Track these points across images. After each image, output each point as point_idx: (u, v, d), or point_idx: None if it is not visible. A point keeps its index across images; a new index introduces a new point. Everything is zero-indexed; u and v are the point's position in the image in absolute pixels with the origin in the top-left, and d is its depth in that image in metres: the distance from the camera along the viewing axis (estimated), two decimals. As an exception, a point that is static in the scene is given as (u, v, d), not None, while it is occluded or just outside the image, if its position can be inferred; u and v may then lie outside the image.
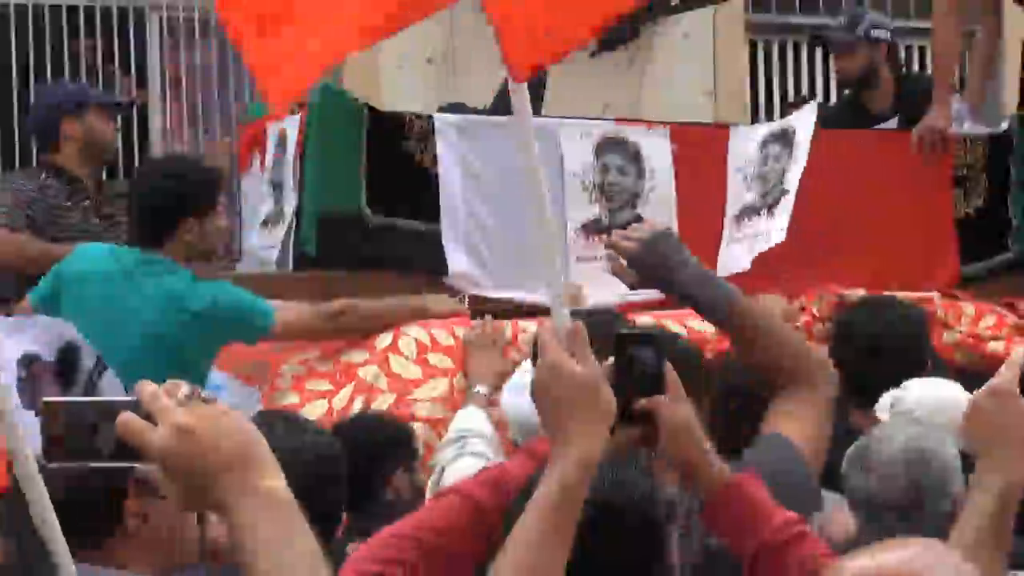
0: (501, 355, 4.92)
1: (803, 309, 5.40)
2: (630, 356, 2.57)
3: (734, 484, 2.57)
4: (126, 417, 1.86)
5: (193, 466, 1.84)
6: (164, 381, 2.95)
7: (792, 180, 5.60)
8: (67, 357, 4.40)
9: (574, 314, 3.22)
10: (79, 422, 1.93)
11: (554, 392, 2.35)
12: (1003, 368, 2.44)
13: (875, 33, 6.83)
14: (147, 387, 1.89)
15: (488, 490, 2.58)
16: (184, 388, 1.88)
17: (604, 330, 2.80)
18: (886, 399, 4.02)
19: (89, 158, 5.66)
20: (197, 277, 4.88)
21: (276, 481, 1.86)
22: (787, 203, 5.55)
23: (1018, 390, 2.40)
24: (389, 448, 4.36)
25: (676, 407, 2.57)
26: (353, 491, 3.68)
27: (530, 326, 4.75)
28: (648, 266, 3.34)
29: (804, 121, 5.79)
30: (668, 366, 2.61)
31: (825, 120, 6.92)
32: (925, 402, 3.90)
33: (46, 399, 1.99)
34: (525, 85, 2.71)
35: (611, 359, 2.55)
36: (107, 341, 4.63)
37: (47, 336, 4.37)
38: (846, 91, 7.42)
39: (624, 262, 3.26)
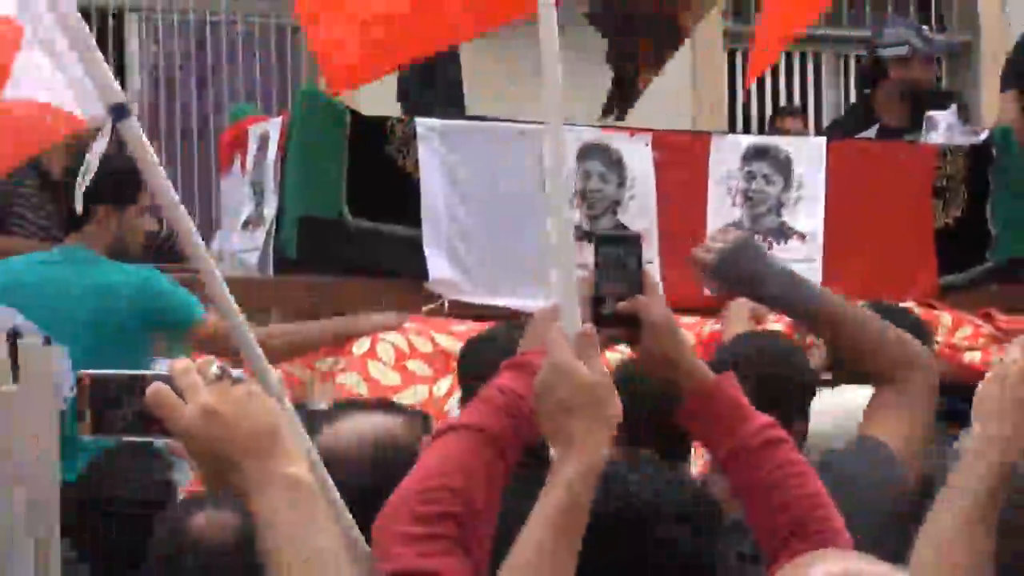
0: None
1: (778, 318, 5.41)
2: (608, 255, 2.56)
3: (714, 384, 2.56)
4: (157, 388, 1.87)
5: (216, 448, 1.85)
6: (109, 360, 2.90)
7: (801, 220, 5.74)
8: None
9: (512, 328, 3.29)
10: (109, 395, 1.94)
11: (559, 394, 2.33)
12: (993, 374, 2.43)
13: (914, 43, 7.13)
14: (179, 362, 1.90)
15: (501, 420, 2.48)
16: (214, 367, 1.88)
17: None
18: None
19: None
20: (125, 265, 4.93)
21: (300, 468, 1.87)
22: (804, 250, 5.70)
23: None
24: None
25: (656, 305, 2.56)
26: None
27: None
28: (730, 276, 3.50)
29: (810, 156, 5.86)
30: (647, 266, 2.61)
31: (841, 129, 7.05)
32: (832, 409, 3.89)
33: (79, 372, 1.99)
34: (559, 93, 2.69)
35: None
36: (47, 325, 4.73)
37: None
38: (851, 101, 7.49)
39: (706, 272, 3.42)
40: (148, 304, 4.81)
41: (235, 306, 2.90)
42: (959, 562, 2.23)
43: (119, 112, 2.91)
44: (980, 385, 2.44)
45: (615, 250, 2.57)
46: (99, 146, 3.14)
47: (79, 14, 3.00)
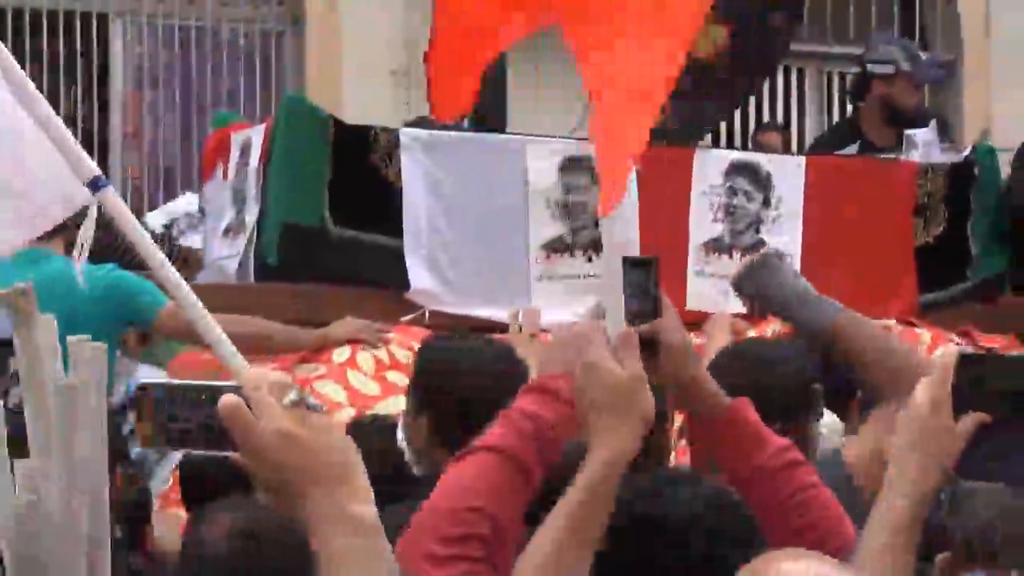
0: None
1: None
2: (628, 280, 2.57)
3: (731, 408, 2.58)
4: (233, 403, 1.83)
5: (286, 473, 1.82)
6: None
7: (780, 235, 5.76)
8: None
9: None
10: (174, 406, 1.91)
11: (590, 394, 2.39)
12: (926, 384, 2.41)
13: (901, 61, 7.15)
14: (252, 375, 1.87)
15: (526, 445, 2.50)
16: (292, 393, 1.85)
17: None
18: None
19: None
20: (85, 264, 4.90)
21: (367, 508, 1.83)
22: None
23: (947, 406, 2.38)
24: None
25: (674, 329, 2.58)
26: None
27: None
28: (747, 293, 3.59)
29: (789, 173, 5.88)
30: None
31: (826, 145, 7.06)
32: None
33: (142, 382, 1.96)
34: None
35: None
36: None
37: None
38: (835, 118, 7.50)
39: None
40: (112, 295, 4.77)
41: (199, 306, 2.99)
42: None
43: (96, 184, 2.97)
44: (897, 418, 2.45)
45: (632, 273, 2.58)
46: (87, 228, 3.20)
47: (33, 88, 3.04)
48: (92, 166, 3.07)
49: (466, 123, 5.98)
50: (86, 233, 3.25)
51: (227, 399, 1.82)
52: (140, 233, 3.31)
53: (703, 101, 6.59)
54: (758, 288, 3.55)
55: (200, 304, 3.30)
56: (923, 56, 7.35)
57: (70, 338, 2.40)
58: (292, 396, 1.84)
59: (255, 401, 1.82)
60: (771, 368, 3.73)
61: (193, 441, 1.91)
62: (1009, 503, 2.64)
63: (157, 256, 3.38)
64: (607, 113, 2.81)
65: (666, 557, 2.45)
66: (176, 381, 1.92)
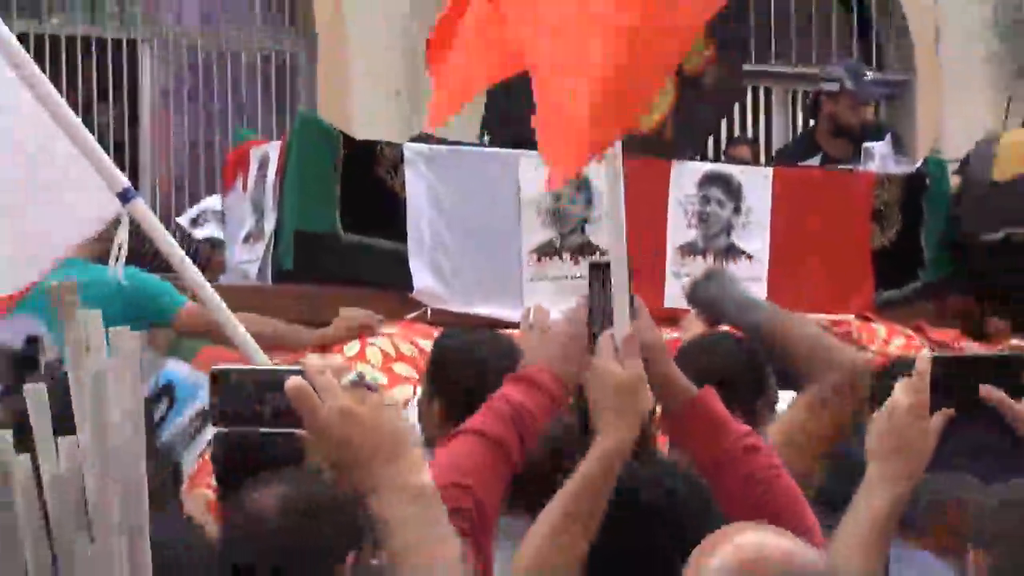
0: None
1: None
2: (603, 281, 2.56)
3: (699, 398, 2.57)
4: (299, 384, 1.82)
5: (350, 448, 1.81)
6: None
7: (750, 241, 5.75)
8: (31, 345, 4.54)
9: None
10: (245, 389, 1.90)
11: (594, 394, 2.44)
12: (903, 387, 2.41)
13: (845, 79, 7.09)
14: (313, 361, 1.85)
15: (507, 427, 2.51)
16: (352, 375, 1.83)
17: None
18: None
19: None
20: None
21: (422, 477, 1.82)
22: (751, 269, 5.71)
23: (924, 407, 2.38)
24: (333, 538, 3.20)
25: (647, 330, 2.58)
26: None
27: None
28: (698, 304, 3.84)
29: (757, 184, 5.86)
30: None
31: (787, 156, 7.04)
32: None
33: (214, 368, 1.95)
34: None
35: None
36: (55, 327, 4.67)
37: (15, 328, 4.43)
38: (799, 132, 7.49)
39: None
40: (133, 297, 4.66)
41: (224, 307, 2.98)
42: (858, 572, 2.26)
43: (126, 196, 2.95)
44: (873, 420, 2.44)
45: (607, 274, 2.56)
46: (121, 235, 3.18)
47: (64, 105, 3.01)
48: (122, 179, 3.07)
49: (486, 139, 5.98)
50: (121, 239, 3.24)
51: (294, 382, 1.81)
52: (168, 240, 3.32)
53: (697, 110, 6.59)
54: (707, 298, 3.74)
55: (223, 303, 3.30)
56: (868, 76, 7.29)
57: (116, 329, 2.40)
58: (351, 377, 1.83)
59: (318, 383, 1.81)
60: (723, 358, 3.75)
61: (263, 421, 1.89)
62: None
63: (184, 260, 3.39)
64: (544, 88, 2.72)
65: (646, 537, 2.46)
66: (247, 367, 1.92)
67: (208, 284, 3.41)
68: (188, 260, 3.39)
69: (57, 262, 3.30)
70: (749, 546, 1.93)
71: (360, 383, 1.82)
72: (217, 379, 1.93)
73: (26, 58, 3.16)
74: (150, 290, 4.85)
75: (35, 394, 2.29)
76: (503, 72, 2.83)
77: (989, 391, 2.34)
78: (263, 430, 1.93)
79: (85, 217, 3.17)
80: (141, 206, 3.11)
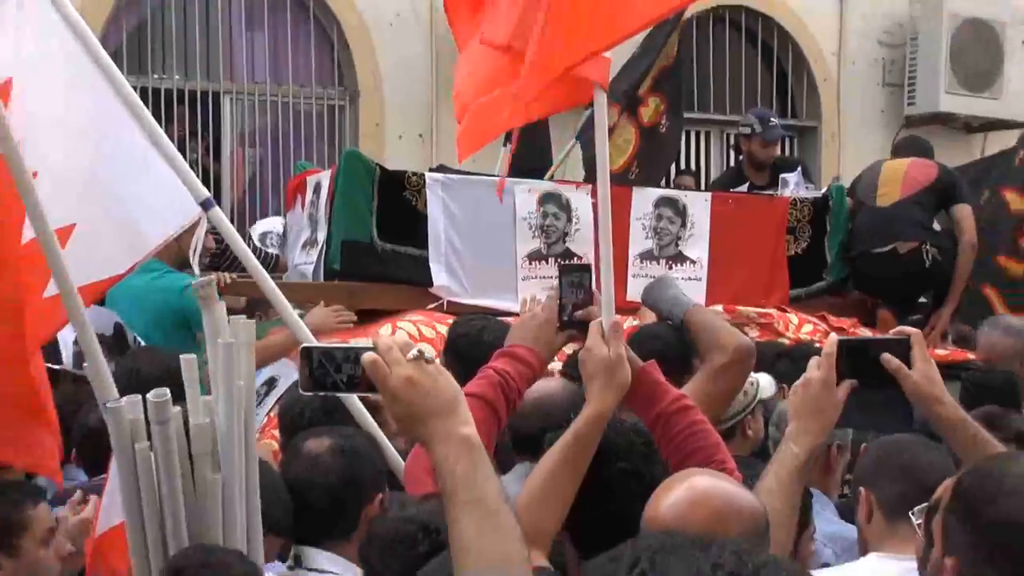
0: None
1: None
2: (568, 278, 2.56)
3: (642, 369, 2.55)
4: (373, 357, 1.78)
5: (411, 407, 1.77)
6: (173, 344, 2.78)
7: (694, 250, 5.73)
8: (119, 332, 4.57)
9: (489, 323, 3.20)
10: (328, 362, 1.85)
11: (585, 369, 2.43)
12: (816, 363, 2.39)
13: (754, 125, 7.09)
14: (383, 340, 1.81)
15: (496, 391, 2.50)
16: (413, 350, 1.79)
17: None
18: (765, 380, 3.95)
19: None
20: (176, 274, 4.76)
21: (470, 429, 1.77)
22: (694, 271, 5.73)
23: (832, 379, 2.36)
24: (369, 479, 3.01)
25: (600, 316, 2.58)
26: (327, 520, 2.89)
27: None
28: (647, 303, 4.07)
29: (699, 205, 5.85)
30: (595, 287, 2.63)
31: (720, 184, 7.06)
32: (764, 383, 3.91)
33: (304, 344, 1.92)
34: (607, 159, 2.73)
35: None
36: (132, 320, 4.67)
37: (103, 319, 4.40)
38: (730, 165, 7.50)
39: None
40: (186, 303, 4.54)
41: (286, 301, 2.94)
42: (778, 508, 2.23)
43: (207, 204, 2.88)
44: (792, 389, 2.43)
45: (573, 275, 2.57)
46: (200, 234, 3.13)
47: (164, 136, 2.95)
48: (204, 190, 3.00)
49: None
50: (198, 241, 3.19)
51: (369, 356, 1.78)
52: (241, 244, 3.27)
53: (655, 153, 6.61)
54: (651, 298, 3.93)
55: (279, 292, 3.26)
56: (773, 121, 7.22)
57: (232, 317, 2.41)
58: (413, 352, 1.79)
59: (388, 357, 1.78)
60: (662, 341, 3.77)
61: (342, 387, 1.86)
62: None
63: (251, 258, 3.35)
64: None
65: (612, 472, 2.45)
66: (328, 344, 1.90)
67: (271, 279, 3.37)
68: (255, 259, 3.35)
69: (143, 258, 3.18)
70: (698, 486, 1.95)
71: (420, 357, 1.78)
72: (305, 354, 1.89)
73: (131, 93, 3.06)
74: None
75: (188, 365, 2.34)
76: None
77: (889, 359, 2.33)
78: (346, 394, 1.90)
79: (171, 220, 3.08)
80: (219, 214, 3.05)
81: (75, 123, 2.98)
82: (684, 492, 1.94)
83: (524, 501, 2.26)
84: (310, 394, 1.89)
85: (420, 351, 1.79)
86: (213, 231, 3.46)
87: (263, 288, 3.30)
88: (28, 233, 2.72)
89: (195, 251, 3.24)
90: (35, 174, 2.73)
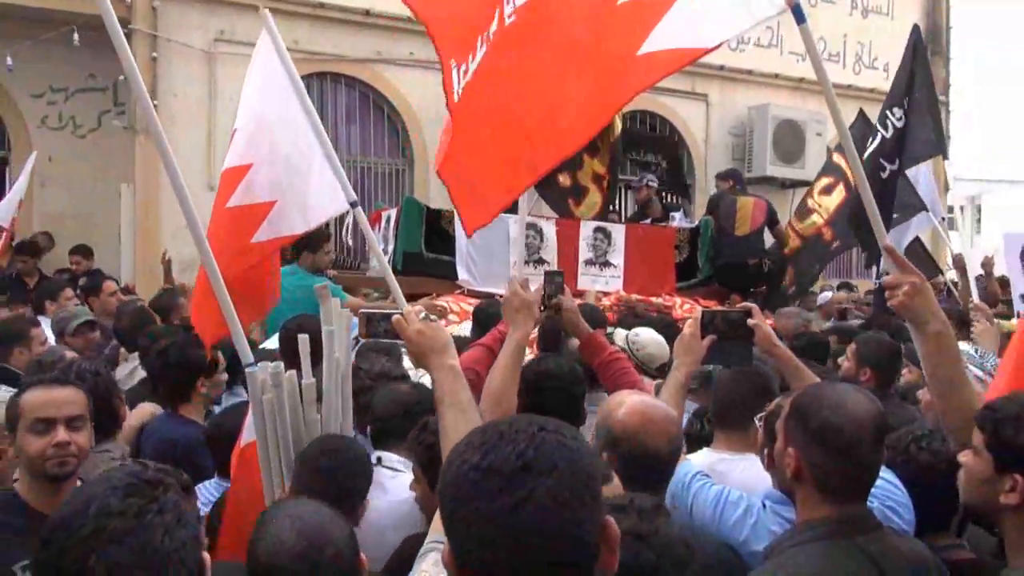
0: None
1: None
2: (551, 279, 2.53)
3: (593, 335, 2.49)
4: (398, 318, 1.80)
5: (421, 348, 1.78)
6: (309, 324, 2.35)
7: (615, 260, 5.71)
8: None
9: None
10: (374, 319, 1.92)
11: (511, 305, 2.23)
12: (688, 324, 2.32)
13: (648, 181, 7.00)
14: (408, 307, 1.86)
15: (495, 342, 2.42)
16: (423, 314, 1.80)
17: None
18: (621, 332, 3.46)
19: None
20: (311, 276, 4.56)
21: (455, 361, 1.73)
22: (615, 272, 5.66)
23: (698, 334, 2.25)
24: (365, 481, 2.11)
25: (568, 301, 2.46)
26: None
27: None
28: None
29: (618, 232, 5.84)
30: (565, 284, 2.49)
31: (633, 219, 7.02)
32: (644, 337, 3.45)
33: (361, 311, 1.91)
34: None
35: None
36: (285, 310, 4.33)
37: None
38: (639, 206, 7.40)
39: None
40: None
41: (398, 287, 2.56)
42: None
43: (354, 204, 2.54)
44: (678, 340, 2.32)
45: (555, 276, 2.54)
46: (350, 218, 2.69)
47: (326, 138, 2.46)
48: (353, 193, 2.53)
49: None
50: (351, 226, 2.72)
51: (396, 317, 1.81)
52: (373, 238, 2.83)
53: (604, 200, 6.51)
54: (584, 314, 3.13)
55: (394, 278, 2.71)
56: (655, 182, 7.08)
57: (335, 306, 2.16)
58: (423, 315, 1.84)
59: (408, 318, 1.80)
60: (599, 315, 3.66)
61: (383, 335, 1.92)
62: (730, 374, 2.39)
63: (382, 256, 2.97)
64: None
65: (557, 398, 2.32)
66: (374, 309, 1.94)
67: (390, 270, 2.72)
68: (383, 255, 2.95)
69: (303, 232, 2.58)
70: (639, 400, 1.85)
71: (426, 318, 1.81)
72: (364, 317, 1.96)
73: (313, 113, 2.59)
74: (331, 289, 4.63)
75: (302, 342, 2.12)
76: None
77: (753, 318, 2.22)
78: (386, 340, 1.99)
79: (328, 208, 2.54)
80: (360, 214, 2.55)
81: (279, 128, 2.61)
82: (631, 406, 1.83)
83: (496, 390, 2.08)
84: (368, 339, 1.91)
85: (427, 315, 1.82)
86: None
87: (386, 278, 2.68)
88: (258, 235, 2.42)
89: (325, 265, 2.92)
90: (251, 165, 2.44)
